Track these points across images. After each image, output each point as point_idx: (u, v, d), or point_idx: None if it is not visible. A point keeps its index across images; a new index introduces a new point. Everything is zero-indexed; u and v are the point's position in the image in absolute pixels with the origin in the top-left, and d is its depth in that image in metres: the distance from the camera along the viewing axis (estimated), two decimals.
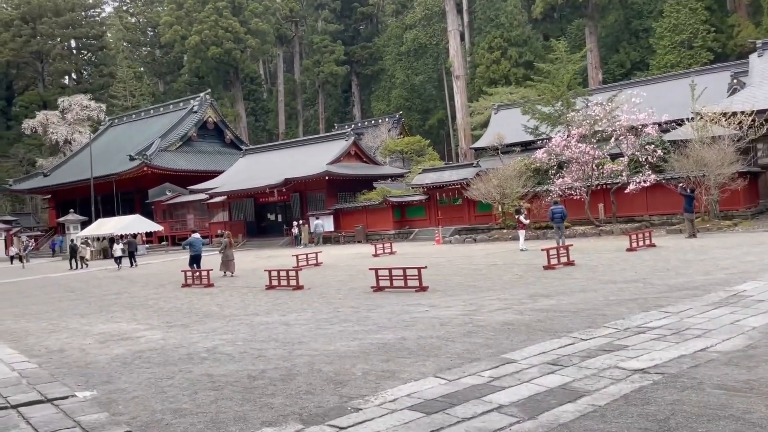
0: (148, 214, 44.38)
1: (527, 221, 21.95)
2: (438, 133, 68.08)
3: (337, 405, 5.50)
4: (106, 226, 39.92)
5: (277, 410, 5.49)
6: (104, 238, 39.55)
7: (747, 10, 50.05)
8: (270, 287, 15.31)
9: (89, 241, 40.47)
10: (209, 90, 59.87)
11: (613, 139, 24.90)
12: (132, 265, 29.15)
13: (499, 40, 56.82)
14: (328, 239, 35.60)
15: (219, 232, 23.12)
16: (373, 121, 61.52)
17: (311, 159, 38.75)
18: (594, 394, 5.24)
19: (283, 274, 15.34)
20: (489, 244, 25.54)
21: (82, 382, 7.09)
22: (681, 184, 22.05)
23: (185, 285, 17.84)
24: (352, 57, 74.26)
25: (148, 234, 43.77)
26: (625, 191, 24.72)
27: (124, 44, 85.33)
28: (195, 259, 20.67)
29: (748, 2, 49.46)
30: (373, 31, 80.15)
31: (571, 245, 16.29)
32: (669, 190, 24.73)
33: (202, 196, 42.41)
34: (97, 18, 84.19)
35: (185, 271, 18.77)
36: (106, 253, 37.32)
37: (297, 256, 21.52)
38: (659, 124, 25.39)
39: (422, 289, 12.57)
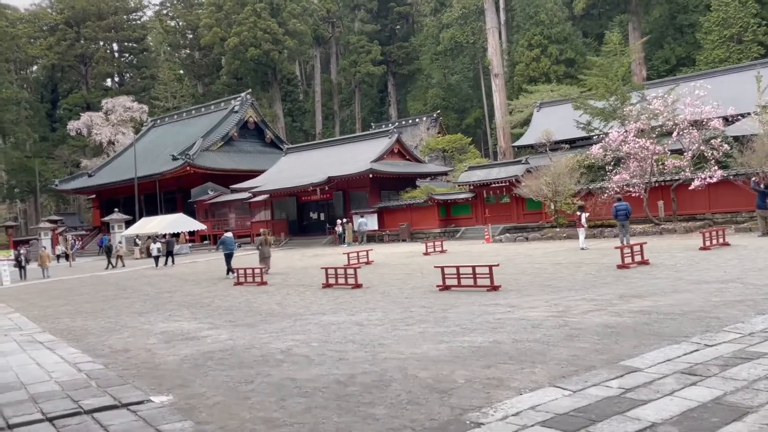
0: (191, 213, 44.57)
1: (585, 225, 20.91)
2: (475, 132, 67.05)
3: (451, 418, 4.83)
4: (149, 225, 40.21)
5: (384, 423, 4.86)
6: (148, 237, 39.84)
7: None
8: (327, 285, 14.77)
9: (136, 240, 40.86)
10: (249, 90, 60.06)
11: (675, 133, 23.65)
12: (171, 263, 29.59)
13: (539, 37, 55.56)
14: (371, 238, 35.02)
15: (261, 231, 23.12)
16: (410, 121, 60.84)
17: (354, 157, 38.24)
18: (761, 411, 4.45)
19: (340, 272, 14.79)
20: (543, 243, 24.56)
21: (155, 385, 6.60)
22: (754, 179, 20.68)
23: (238, 283, 17.47)
24: (388, 57, 73.81)
25: (191, 233, 43.96)
26: (689, 188, 23.45)
27: (165, 47, 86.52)
28: (228, 258, 20.48)
29: None
30: (410, 30, 79.53)
31: (645, 243, 15.32)
32: (733, 187, 23.40)
33: (244, 195, 42.33)
34: (139, 21, 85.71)
35: (237, 269, 18.43)
36: (150, 252, 37.64)
37: (348, 254, 20.99)
38: (725, 119, 24.06)
39: (494, 288, 11.81)
